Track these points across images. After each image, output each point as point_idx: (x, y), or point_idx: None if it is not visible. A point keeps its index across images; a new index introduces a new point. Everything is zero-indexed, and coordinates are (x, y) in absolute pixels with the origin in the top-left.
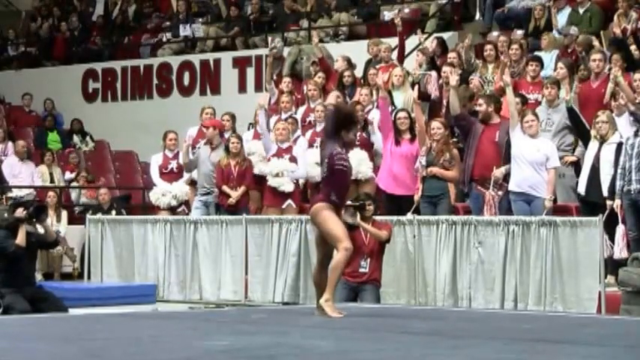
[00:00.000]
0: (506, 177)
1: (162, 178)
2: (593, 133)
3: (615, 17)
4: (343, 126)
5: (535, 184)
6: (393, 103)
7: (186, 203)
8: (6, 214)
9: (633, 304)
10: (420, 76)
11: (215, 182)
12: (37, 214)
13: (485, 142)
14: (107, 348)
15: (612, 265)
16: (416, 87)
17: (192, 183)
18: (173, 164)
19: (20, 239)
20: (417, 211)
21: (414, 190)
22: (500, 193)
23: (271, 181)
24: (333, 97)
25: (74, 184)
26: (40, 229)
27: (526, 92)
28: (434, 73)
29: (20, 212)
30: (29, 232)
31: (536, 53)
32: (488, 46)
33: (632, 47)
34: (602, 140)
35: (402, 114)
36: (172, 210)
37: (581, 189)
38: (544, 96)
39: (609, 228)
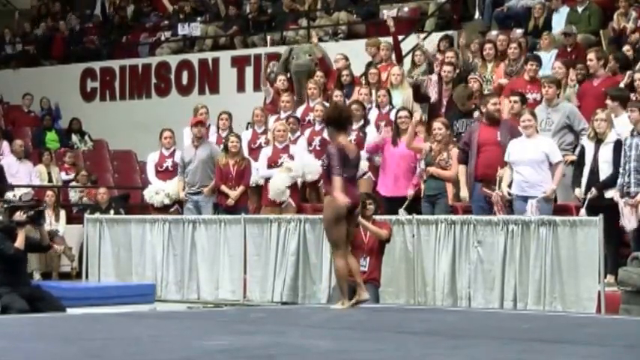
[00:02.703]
0: None
1: (158, 176)
2: (588, 132)
3: (615, 16)
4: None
5: (534, 184)
6: (391, 102)
7: (180, 202)
8: (0, 217)
9: (633, 303)
10: (419, 78)
11: (214, 181)
12: (37, 218)
13: (486, 144)
14: (106, 348)
15: (612, 265)
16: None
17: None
18: (168, 162)
19: (20, 242)
20: (410, 209)
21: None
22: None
23: (272, 195)
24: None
25: (73, 184)
26: (34, 233)
27: (524, 91)
28: (434, 77)
29: (20, 215)
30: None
31: (536, 52)
32: (488, 45)
33: (625, 47)
34: (599, 140)
35: (403, 112)
36: (166, 209)
37: (581, 194)
38: (543, 95)
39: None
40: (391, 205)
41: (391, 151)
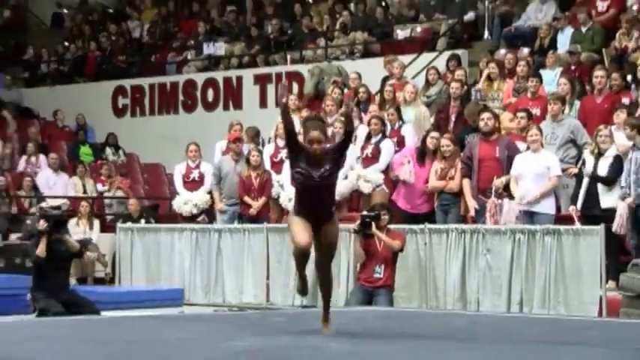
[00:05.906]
0: (506, 186)
1: (185, 187)
2: (590, 148)
3: (617, 36)
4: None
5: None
6: (401, 118)
7: (207, 212)
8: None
9: (633, 307)
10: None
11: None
12: (56, 228)
13: (486, 159)
14: (137, 349)
15: (613, 271)
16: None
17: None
18: (195, 173)
19: (40, 250)
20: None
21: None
22: (499, 201)
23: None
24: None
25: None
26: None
27: (527, 107)
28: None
29: (42, 224)
30: (58, 242)
31: (541, 70)
32: (492, 65)
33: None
34: (599, 155)
35: (434, 134)
36: (193, 218)
37: (578, 205)
38: (549, 112)
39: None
40: (408, 220)
41: (417, 169)
